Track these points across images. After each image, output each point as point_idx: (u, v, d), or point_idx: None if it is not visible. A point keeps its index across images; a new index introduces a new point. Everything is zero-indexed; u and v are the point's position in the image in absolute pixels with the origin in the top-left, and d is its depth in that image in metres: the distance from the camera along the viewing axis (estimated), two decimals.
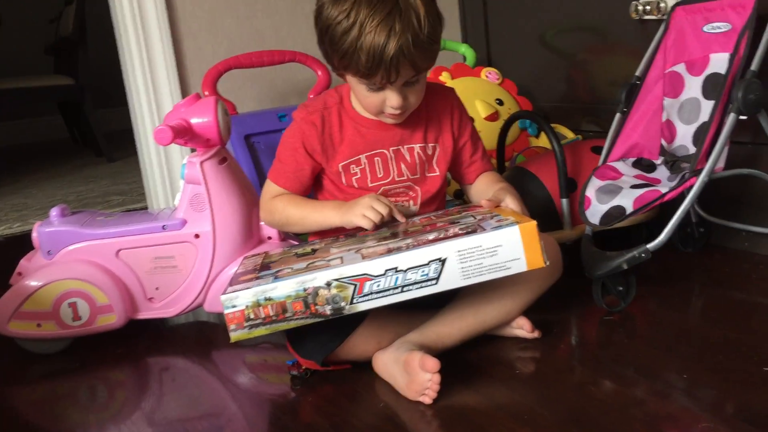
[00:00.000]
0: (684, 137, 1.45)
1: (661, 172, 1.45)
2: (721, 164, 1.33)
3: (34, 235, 1.43)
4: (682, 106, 1.46)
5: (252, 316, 1.10)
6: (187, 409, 1.20)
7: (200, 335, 1.51)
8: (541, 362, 1.22)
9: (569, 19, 2.00)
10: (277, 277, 1.11)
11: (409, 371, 1.10)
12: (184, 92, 2.02)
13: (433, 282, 1.09)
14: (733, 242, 1.61)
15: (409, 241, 1.13)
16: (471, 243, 1.08)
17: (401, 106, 1.20)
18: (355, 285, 1.08)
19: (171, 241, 1.42)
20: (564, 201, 1.54)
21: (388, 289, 1.09)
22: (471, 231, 1.11)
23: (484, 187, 1.34)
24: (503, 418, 1.04)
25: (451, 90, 1.37)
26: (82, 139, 4.28)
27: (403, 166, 1.29)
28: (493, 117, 1.89)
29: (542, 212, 1.50)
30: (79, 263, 1.41)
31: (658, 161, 1.49)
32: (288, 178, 1.30)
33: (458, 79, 1.97)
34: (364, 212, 1.20)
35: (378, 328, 1.21)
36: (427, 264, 1.08)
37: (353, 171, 1.28)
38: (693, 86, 1.44)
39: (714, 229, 1.62)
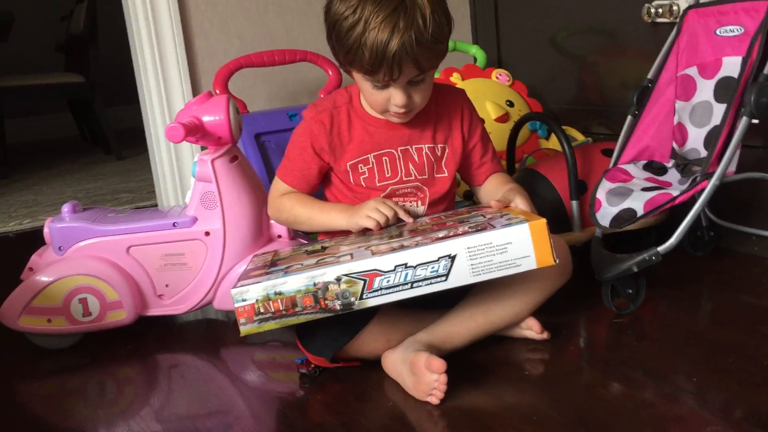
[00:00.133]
0: (695, 140, 1.45)
1: (672, 175, 1.45)
2: (732, 168, 1.33)
3: (46, 230, 1.44)
4: (693, 109, 1.45)
5: (262, 310, 1.11)
6: (196, 406, 1.20)
7: (209, 333, 1.51)
8: (550, 364, 1.22)
9: (580, 21, 2.00)
10: (287, 273, 1.12)
11: (416, 372, 1.11)
12: (196, 91, 2.03)
13: (443, 278, 1.09)
14: (743, 246, 1.60)
15: (418, 238, 1.13)
16: (481, 240, 1.08)
17: (405, 105, 1.20)
18: (365, 280, 1.09)
19: (181, 238, 1.42)
20: (574, 203, 1.54)
21: (398, 285, 1.09)
22: (480, 229, 1.11)
23: (493, 188, 1.34)
24: (511, 419, 1.04)
25: (462, 91, 1.37)
26: (91, 136, 4.30)
27: (411, 166, 1.29)
28: (503, 118, 1.89)
29: (552, 214, 1.50)
30: (89, 259, 1.41)
31: (669, 164, 1.48)
32: (295, 177, 1.31)
33: (469, 81, 1.97)
34: (368, 213, 1.20)
35: (387, 326, 1.21)
36: (437, 260, 1.09)
37: (361, 170, 1.28)
38: (705, 89, 1.44)
39: (724, 233, 1.61)
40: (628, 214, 1.37)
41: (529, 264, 1.09)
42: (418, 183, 1.30)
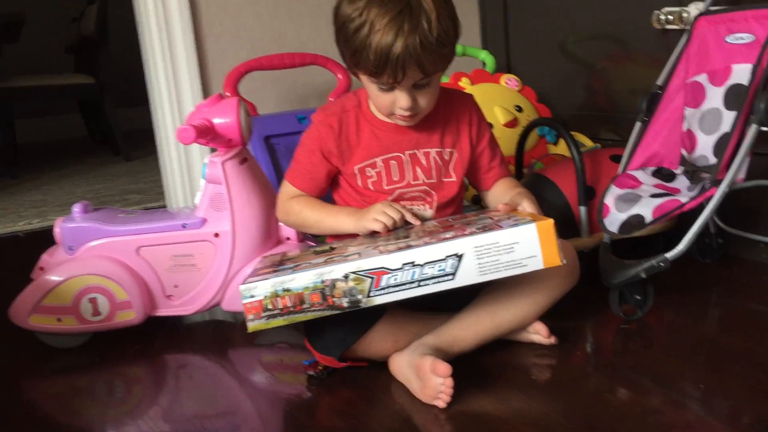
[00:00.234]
0: (705, 147, 1.44)
1: (681, 182, 1.45)
2: (741, 175, 1.33)
3: (57, 230, 1.45)
4: (703, 116, 1.45)
5: (270, 306, 1.11)
6: (204, 407, 1.21)
7: (217, 334, 1.52)
8: (557, 369, 1.22)
9: (590, 27, 2.01)
10: (295, 270, 1.12)
11: (422, 376, 1.11)
12: (206, 93, 2.04)
13: (450, 277, 1.10)
14: (752, 254, 1.60)
15: (426, 239, 1.13)
16: (488, 239, 1.09)
17: (410, 108, 1.21)
18: (372, 278, 1.09)
19: (191, 239, 1.43)
20: (582, 209, 1.54)
21: (405, 283, 1.10)
22: (488, 229, 1.12)
23: (501, 193, 1.35)
24: (518, 423, 1.05)
25: (470, 96, 1.38)
26: (100, 137, 4.32)
27: (418, 170, 1.30)
28: (512, 123, 1.89)
29: (560, 219, 1.48)
30: (100, 259, 1.42)
31: (678, 171, 1.48)
32: (304, 180, 1.31)
33: (478, 85, 1.97)
34: (376, 216, 1.21)
35: (395, 326, 1.22)
36: (444, 259, 1.09)
37: (369, 174, 1.29)
38: (714, 96, 1.44)
39: (732, 240, 1.61)
40: (636, 221, 1.37)
41: (536, 264, 1.10)
42: (425, 187, 1.30)
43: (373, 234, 1.24)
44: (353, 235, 1.28)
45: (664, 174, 1.49)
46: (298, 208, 1.31)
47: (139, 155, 3.70)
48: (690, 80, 1.48)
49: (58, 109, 4.75)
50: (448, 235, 1.13)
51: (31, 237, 2.31)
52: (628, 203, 1.40)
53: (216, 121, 1.39)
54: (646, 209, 1.37)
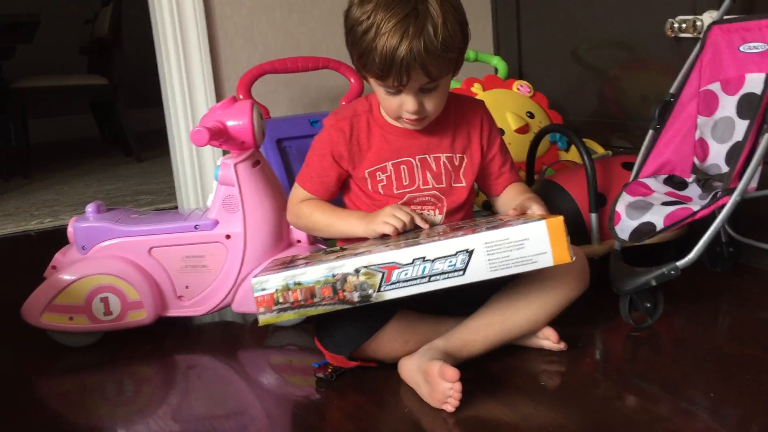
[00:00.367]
0: (717, 156, 1.44)
1: (693, 190, 1.45)
2: (753, 184, 1.33)
3: (70, 229, 1.46)
4: (715, 124, 1.45)
5: (281, 299, 1.12)
6: (213, 407, 1.21)
7: (226, 335, 1.53)
8: (567, 375, 1.22)
9: (603, 34, 2.01)
10: (306, 265, 1.13)
11: (430, 381, 1.11)
12: (219, 95, 2.05)
13: (460, 273, 1.10)
14: (763, 263, 1.60)
15: (436, 238, 1.14)
16: (498, 236, 1.10)
17: (416, 112, 1.21)
18: (383, 273, 1.10)
19: (202, 240, 1.44)
20: (593, 215, 1.54)
21: (416, 278, 1.10)
22: (498, 227, 1.12)
23: (511, 198, 1.35)
24: (527, 429, 1.05)
25: (481, 102, 1.38)
26: (112, 138, 4.34)
27: (428, 174, 1.30)
28: (523, 129, 1.89)
29: (571, 226, 1.49)
30: (112, 259, 1.43)
31: (690, 179, 1.48)
32: (314, 183, 1.32)
33: (490, 91, 1.98)
34: (385, 220, 1.21)
35: (406, 327, 1.22)
36: (455, 254, 1.10)
37: (379, 178, 1.30)
38: (727, 105, 1.44)
39: (744, 249, 1.61)
40: (647, 228, 1.37)
41: (546, 261, 1.10)
42: (435, 192, 1.31)
43: (383, 237, 1.24)
44: (363, 239, 1.29)
45: (675, 182, 1.49)
46: (309, 212, 1.32)
47: (150, 156, 3.72)
48: (703, 89, 1.48)
49: (71, 109, 4.78)
50: (459, 234, 1.13)
51: (42, 236, 2.32)
52: (640, 211, 1.40)
53: (229, 123, 1.40)
54: (657, 217, 1.37)
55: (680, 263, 1.30)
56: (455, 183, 1.32)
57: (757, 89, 1.38)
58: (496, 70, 2.11)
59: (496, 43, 2.36)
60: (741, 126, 1.40)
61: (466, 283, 1.11)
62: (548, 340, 1.26)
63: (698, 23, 1.63)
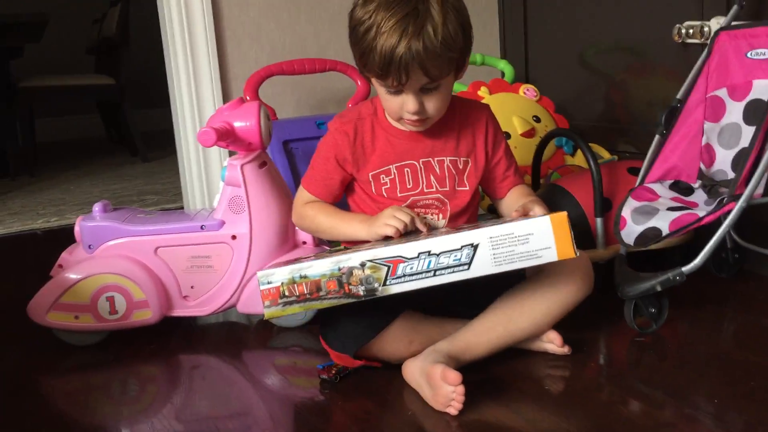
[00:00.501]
0: (723, 162, 1.44)
1: (699, 196, 1.45)
2: (759, 190, 1.33)
3: (77, 229, 1.46)
4: (722, 130, 1.45)
5: (286, 293, 1.13)
6: (217, 407, 1.21)
7: (231, 335, 1.53)
8: (570, 379, 1.22)
9: (610, 38, 2.01)
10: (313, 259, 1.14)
11: (433, 384, 1.11)
12: (226, 96, 2.05)
13: (465, 267, 1.11)
14: None
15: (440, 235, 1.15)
16: (503, 230, 1.11)
17: (417, 112, 1.22)
18: (389, 266, 1.11)
19: (208, 241, 1.44)
20: (599, 220, 1.54)
21: (421, 273, 1.11)
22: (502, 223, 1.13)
23: (514, 200, 1.35)
24: None
25: (486, 106, 1.38)
26: (118, 138, 4.35)
27: (432, 177, 1.30)
28: (529, 133, 1.89)
29: (576, 231, 1.50)
30: (118, 258, 1.44)
31: (696, 185, 1.48)
32: (318, 186, 1.33)
33: (496, 95, 1.98)
34: (387, 222, 1.21)
35: (410, 327, 1.23)
36: (460, 249, 1.11)
37: (383, 181, 1.30)
38: (734, 111, 1.44)
39: (749, 255, 1.61)
40: (653, 233, 1.37)
41: (551, 255, 1.11)
42: (439, 195, 1.31)
43: (386, 239, 1.24)
44: (367, 242, 1.29)
45: (681, 187, 1.49)
46: (312, 214, 1.32)
47: (156, 156, 3.73)
48: (710, 95, 1.49)
49: (78, 109, 4.80)
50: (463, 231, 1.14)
51: (48, 235, 2.33)
52: (645, 216, 1.40)
53: (237, 124, 1.41)
54: (663, 222, 1.37)
55: (685, 269, 1.30)
56: (459, 187, 1.32)
57: (764, 95, 1.38)
58: (503, 73, 2.11)
59: (503, 47, 2.36)
60: (747, 132, 1.40)
61: (471, 278, 1.12)
62: (552, 343, 1.26)
63: (705, 29, 1.63)
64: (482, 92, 1.96)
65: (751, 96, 1.42)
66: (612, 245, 1.54)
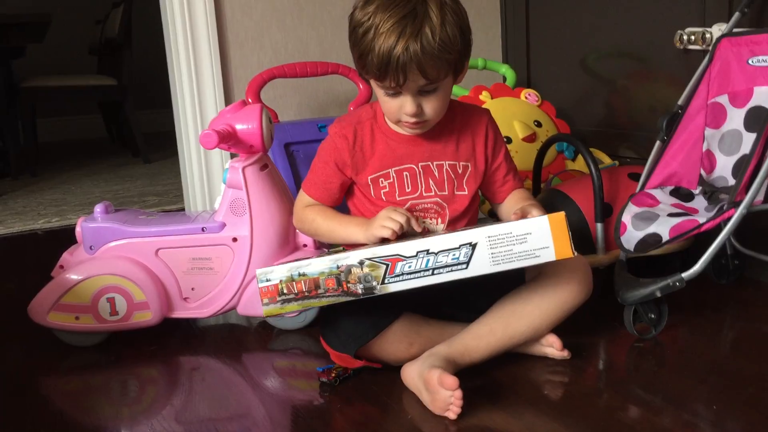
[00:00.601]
0: (724, 168, 1.45)
1: (699, 202, 1.45)
2: (760, 197, 1.33)
3: (78, 229, 1.47)
4: (723, 137, 1.46)
5: (285, 290, 1.13)
6: (216, 409, 1.22)
7: (231, 337, 1.53)
8: (570, 384, 1.22)
9: (611, 44, 2.01)
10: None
11: (430, 389, 1.12)
12: (228, 98, 2.06)
13: (464, 266, 1.11)
14: None
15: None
16: (501, 230, 1.12)
17: (415, 114, 1.22)
18: (387, 265, 1.11)
19: (209, 243, 1.45)
20: (599, 225, 1.54)
21: (419, 271, 1.12)
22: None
23: (513, 204, 1.35)
24: None
25: (486, 111, 1.38)
26: (119, 138, 4.36)
27: (431, 181, 1.31)
28: (530, 138, 1.90)
29: (576, 236, 1.50)
30: (119, 260, 1.44)
31: (696, 191, 1.48)
32: (318, 189, 1.33)
33: (497, 99, 1.98)
34: (383, 223, 1.22)
35: (411, 328, 1.24)
36: (458, 248, 1.11)
37: (382, 184, 1.30)
38: (735, 118, 1.44)
39: (749, 262, 1.61)
40: (653, 239, 1.37)
41: (549, 255, 1.12)
42: (438, 199, 1.31)
43: (383, 242, 1.24)
44: (365, 245, 1.29)
45: (682, 193, 1.49)
46: (312, 217, 1.33)
47: (157, 158, 3.73)
48: (711, 101, 1.49)
49: (79, 109, 4.81)
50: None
51: (49, 235, 2.34)
52: (646, 222, 1.41)
53: (238, 127, 1.41)
54: (663, 228, 1.37)
55: (685, 275, 1.30)
56: (458, 191, 1.32)
57: (765, 102, 1.38)
58: (505, 78, 2.11)
59: (505, 52, 2.37)
60: (748, 139, 1.41)
61: (470, 277, 1.12)
62: (552, 347, 1.26)
63: (707, 35, 1.64)
64: (484, 96, 1.97)
65: (752, 103, 1.42)
66: (612, 251, 1.54)
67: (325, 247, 1.52)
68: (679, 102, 1.54)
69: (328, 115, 2.12)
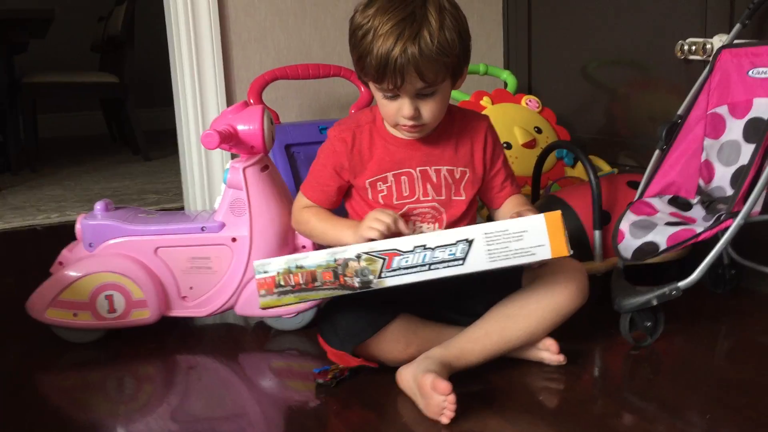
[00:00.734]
0: (722, 178, 1.45)
1: (697, 212, 1.46)
2: (757, 208, 1.34)
3: (78, 226, 1.47)
4: (722, 147, 1.47)
5: (282, 282, 1.14)
6: (212, 408, 1.22)
7: (228, 337, 1.53)
8: (565, 391, 1.23)
9: (613, 52, 2.02)
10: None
11: (424, 394, 1.12)
12: (230, 99, 2.06)
13: (460, 262, 1.12)
14: (764, 287, 1.60)
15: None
16: (498, 227, 1.13)
17: (413, 117, 1.22)
18: (384, 259, 1.12)
19: (208, 242, 1.45)
20: (597, 233, 1.55)
21: (416, 266, 1.12)
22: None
23: (510, 209, 1.36)
24: None
25: (486, 117, 1.39)
26: (120, 136, 4.36)
27: (429, 186, 1.31)
28: (530, 144, 1.90)
29: (573, 242, 1.51)
30: (118, 257, 1.44)
31: (694, 200, 1.49)
32: (315, 192, 1.34)
33: (498, 105, 1.99)
34: (370, 225, 1.22)
35: (408, 329, 1.25)
36: (455, 243, 1.12)
37: (380, 188, 1.31)
38: (734, 129, 1.45)
39: (745, 272, 1.61)
40: (650, 248, 1.38)
41: (544, 253, 1.13)
42: (435, 204, 1.32)
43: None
44: None
45: (680, 203, 1.50)
46: (307, 219, 1.34)
47: (158, 156, 3.73)
48: (710, 111, 1.50)
49: (80, 105, 4.81)
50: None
51: (48, 231, 2.33)
52: (643, 230, 1.41)
53: (240, 127, 1.42)
54: (660, 237, 1.38)
55: (682, 284, 1.31)
56: (455, 196, 1.33)
57: (764, 114, 1.39)
58: (506, 84, 2.12)
59: (506, 58, 2.37)
60: (747, 150, 1.41)
61: (466, 273, 1.13)
62: (548, 351, 1.27)
63: (708, 46, 1.65)
64: (485, 102, 1.97)
65: (751, 114, 1.43)
66: (609, 258, 1.55)
67: (324, 249, 1.52)
68: (679, 111, 1.55)
69: (330, 117, 2.12)
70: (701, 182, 1.50)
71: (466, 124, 1.34)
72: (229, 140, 1.40)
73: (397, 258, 1.12)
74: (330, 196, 1.34)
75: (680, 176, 1.51)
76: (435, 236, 1.13)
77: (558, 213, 1.13)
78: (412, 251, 1.12)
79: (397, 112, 1.23)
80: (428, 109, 1.23)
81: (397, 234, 1.21)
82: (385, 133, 1.32)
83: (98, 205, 1.49)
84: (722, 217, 1.33)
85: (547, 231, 1.13)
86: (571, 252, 1.14)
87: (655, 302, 1.31)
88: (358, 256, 1.13)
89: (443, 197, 1.32)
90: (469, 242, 1.12)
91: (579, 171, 1.94)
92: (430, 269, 1.13)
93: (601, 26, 2.04)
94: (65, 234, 1.55)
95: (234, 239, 1.45)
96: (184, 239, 1.45)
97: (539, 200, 1.72)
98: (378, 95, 1.25)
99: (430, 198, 1.31)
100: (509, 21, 2.35)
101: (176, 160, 2.22)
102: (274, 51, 2.11)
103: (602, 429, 1.08)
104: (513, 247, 1.12)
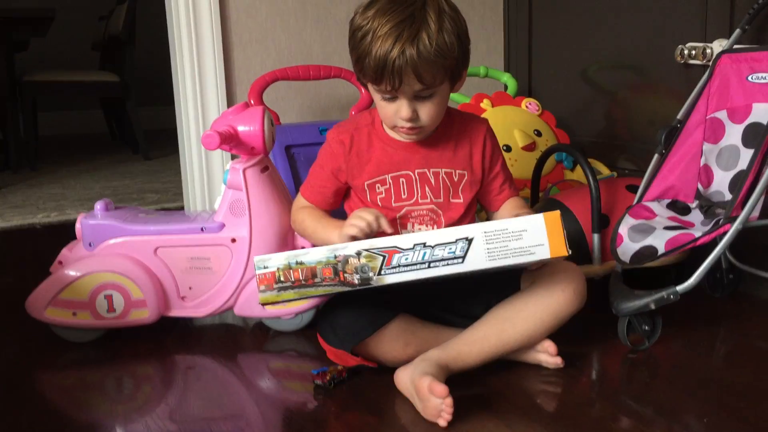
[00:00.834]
0: (721, 183, 1.46)
1: (695, 216, 1.46)
2: (756, 213, 1.34)
3: (78, 226, 1.47)
4: (721, 152, 1.47)
5: (282, 278, 1.15)
6: (210, 409, 1.22)
7: (227, 337, 1.53)
8: (562, 394, 1.23)
9: (613, 56, 2.02)
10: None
11: (421, 396, 1.12)
12: (230, 99, 2.07)
13: (459, 261, 1.13)
14: (762, 291, 1.61)
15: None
16: (497, 225, 1.14)
17: (410, 119, 1.23)
18: (384, 256, 1.13)
19: (208, 243, 1.45)
20: (595, 236, 1.55)
21: (416, 264, 1.13)
22: None
23: (508, 211, 1.37)
24: None
25: (485, 120, 1.39)
26: (120, 135, 4.36)
27: (427, 188, 1.32)
28: (530, 147, 1.91)
29: (572, 246, 1.51)
30: (118, 257, 1.45)
31: (693, 205, 1.50)
32: (313, 193, 1.35)
33: (498, 108, 1.99)
34: (351, 222, 1.23)
35: (407, 329, 1.25)
36: (455, 242, 1.13)
37: (378, 190, 1.31)
38: (733, 134, 1.45)
39: (744, 277, 1.62)
40: (649, 251, 1.38)
41: (544, 253, 1.13)
42: (433, 206, 1.32)
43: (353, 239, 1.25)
44: None
45: (678, 207, 1.50)
46: (302, 218, 1.35)
47: (158, 155, 3.74)
48: (710, 116, 1.50)
49: (81, 104, 4.81)
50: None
51: (49, 230, 2.34)
52: (642, 234, 1.42)
53: (240, 128, 1.42)
54: (659, 241, 1.38)
55: (680, 288, 1.31)
56: (453, 199, 1.33)
57: (763, 119, 1.40)
58: (506, 86, 2.12)
59: (506, 61, 2.38)
60: (746, 155, 1.42)
61: (465, 271, 1.14)
62: (546, 352, 1.27)
63: (708, 51, 1.65)
64: (485, 104, 1.98)
65: (750, 119, 1.43)
66: (608, 262, 1.55)
67: None
68: (679, 116, 1.55)
69: (330, 118, 2.13)
70: (700, 187, 1.50)
71: (465, 126, 1.35)
72: (230, 141, 1.41)
73: (397, 255, 1.13)
74: (327, 197, 1.35)
75: (679, 180, 1.52)
76: (435, 234, 1.13)
77: (557, 213, 1.14)
78: (412, 249, 1.13)
79: (395, 113, 1.24)
80: (426, 112, 1.24)
81: (380, 233, 1.22)
82: (383, 135, 1.32)
83: (98, 205, 1.49)
84: (720, 222, 1.34)
85: (546, 230, 1.13)
86: (570, 252, 1.14)
87: (653, 306, 1.32)
88: (358, 253, 1.13)
89: (441, 200, 1.32)
90: (469, 241, 1.13)
91: (578, 174, 1.94)
92: (429, 267, 1.13)
93: (601, 30, 2.04)
94: (65, 233, 1.55)
95: (233, 240, 1.45)
96: (184, 239, 1.45)
97: (538, 203, 1.72)
98: (376, 97, 1.25)
99: (428, 200, 1.32)
100: (510, 24, 2.35)
101: (176, 159, 2.22)
102: (275, 52, 2.11)
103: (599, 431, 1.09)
104: (512, 246, 1.13)
